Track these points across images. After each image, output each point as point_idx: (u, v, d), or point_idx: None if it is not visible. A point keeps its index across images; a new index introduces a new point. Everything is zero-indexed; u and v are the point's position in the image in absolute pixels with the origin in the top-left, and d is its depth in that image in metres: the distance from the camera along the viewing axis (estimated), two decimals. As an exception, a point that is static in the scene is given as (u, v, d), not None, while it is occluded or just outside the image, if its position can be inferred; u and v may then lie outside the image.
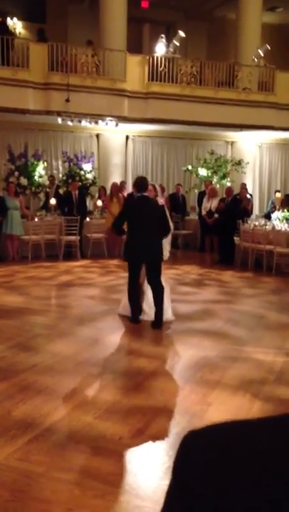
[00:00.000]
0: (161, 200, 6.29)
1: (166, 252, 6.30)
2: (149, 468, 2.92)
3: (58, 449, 3.09)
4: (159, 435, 3.31)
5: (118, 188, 12.50)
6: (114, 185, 12.57)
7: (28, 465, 2.91)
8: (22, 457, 2.99)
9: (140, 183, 6.00)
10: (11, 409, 3.63)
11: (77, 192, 11.75)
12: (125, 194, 12.80)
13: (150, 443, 3.21)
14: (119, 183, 13.00)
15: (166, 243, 6.30)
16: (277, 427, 0.62)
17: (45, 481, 2.76)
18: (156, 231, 5.88)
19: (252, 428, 0.63)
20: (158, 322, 5.91)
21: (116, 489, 2.69)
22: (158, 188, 6.57)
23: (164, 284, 6.09)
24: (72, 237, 11.22)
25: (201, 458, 0.61)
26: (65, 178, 13.14)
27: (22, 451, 3.06)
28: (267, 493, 0.55)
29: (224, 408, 3.76)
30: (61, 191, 12.64)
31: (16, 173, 12.13)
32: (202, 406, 3.76)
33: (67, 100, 12.31)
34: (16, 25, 14.08)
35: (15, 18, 12.92)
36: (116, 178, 14.09)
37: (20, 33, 13.25)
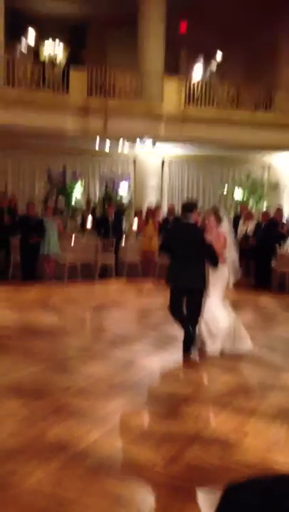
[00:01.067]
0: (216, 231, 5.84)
1: (229, 280, 5.98)
2: (182, 500, 2.84)
3: (90, 475, 3.04)
4: (193, 464, 3.22)
5: (153, 211, 12.55)
6: (149, 209, 12.63)
7: (60, 490, 2.87)
8: (54, 482, 2.96)
9: (185, 205, 5.96)
10: (45, 431, 3.62)
11: (113, 215, 11.86)
12: (160, 218, 12.87)
13: (184, 472, 3.13)
14: (154, 206, 13.06)
15: (227, 269, 5.91)
16: None
17: (77, 508, 2.71)
18: (196, 257, 5.58)
19: None
20: (185, 346, 5.66)
21: (149, 519, 2.63)
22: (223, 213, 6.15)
23: (230, 313, 5.89)
24: (108, 259, 11.28)
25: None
26: (101, 200, 13.30)
27: (55, 475, 3.03)
28: None
29: (261, 438, 3.64)
30: (98, 213, 12.81)
31: (55, 195, 12.36)
32: (238, 435, 3.65)
33: (105, 124, 12.51)
34: (57, 49, 14.53)
35: (57, 40, 13.30)
36: (152, 200, 14.17)
37: (60, 59, 13.64)
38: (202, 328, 5.73)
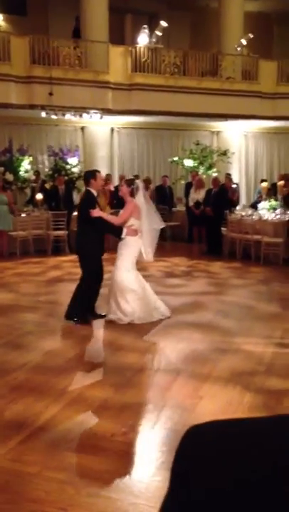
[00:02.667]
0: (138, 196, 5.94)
1: (146, 251, 5.98)
2: (141, 465, 2.94)
3: (50, 449, 3.09)
4: (151, 431, 3.32)
5: (104, 181, 12.44)
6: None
7: (20, 465, 2.91)
8: (15, 458, 2.99)
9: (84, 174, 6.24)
10: (3, 409, 3.63)
11: (63, 186, 11.69)
12: (111, 187, 12.78)
13: (142, 439, 3.23)
14: (104, 176, 12.93)
15: (147, 241, 5.96)
16: (276, 426, 0.63)
17: (38, 481, 2.76)
18: (80, 224, 5.98)
19: (251, 426, 0.65)
20: (66, 313, 5.86)
21: (110, 487, 2.71)
22: (139, 184, 6.16)
23: (137, 284, 5.93)
24: (61, 232, 11.17)
25: (200, 453, 0.62)
26: (51, 172, 13.05)
27: (15, 451, 3.06)
28: (255, 490, 0.57)
29: (215, 401, 3.79)
30: (47, 186, 12.56)
31: (2, 169, 12.02)
32: (193, 400, 3.78)
33: (51, 94, 12.21)
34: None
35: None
36: (102, 170, 13.99)
37: (1, 26, 13.06)
38: (111, 298, 5.89)
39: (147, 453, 3.06)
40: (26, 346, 5.08)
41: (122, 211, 6.01)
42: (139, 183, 6.19)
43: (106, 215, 6.25)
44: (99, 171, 6.29)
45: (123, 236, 5.81)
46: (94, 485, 2.72)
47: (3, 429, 3.33)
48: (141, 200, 5.94)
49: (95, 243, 5.85)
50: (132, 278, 5.86)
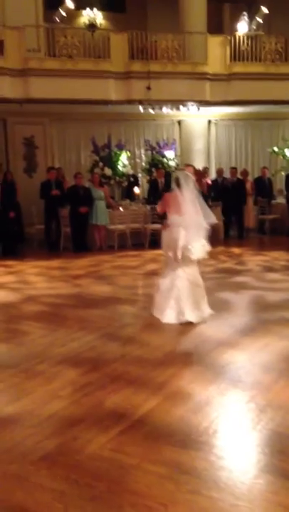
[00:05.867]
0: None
1: (196, 249, 5.62)
2: (243, 465, 2.83)
3: (150, 441, 3.08)
4: (252, 431, 3.20)
5: (201, 174, 12.31)
6: (197, 171, 12.40)
7: (121, 456, 2.93)
8: (115, 448, 3.02)
9: None
10: (103, 400, 3.69)
11: (163, 179, 11.74)
12: (208, 181, 12.63)
13: (243, 439, 3.12)
14: (201, 169, 12.81)
15: (191, 237, 5.60)
16: None
17: (138, 473, 2.76)
18: None
19: None
20: None
21: (210, 485, 2.63)
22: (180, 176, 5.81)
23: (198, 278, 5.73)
24: (158, 226, 11.22)
25: None
26: (148, 166, 13.17)
27: (115, 441, 3.09)
28: None
29: None
30: (145, 180, 12.70)
31: (101, 164, 12.33)
32: (297, 400, 3.59)
33: (148, 88, 12.28)
34: (96, 16, 14.21)
35: (95, 9, 13.08)
36: (199, 164, 13.91)
37: (100, 24, 13.35)
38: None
39: (249, 454, 2.95)
40: (125, 338, 5.14)
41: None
42: (181, 174, 5.86)
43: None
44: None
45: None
46: (194, 482, 2.66)
47: (104, 419, 3.37)
48: (186, 195, 5.60)
49: None
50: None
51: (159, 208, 5.99)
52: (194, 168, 6.17)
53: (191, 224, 5.62)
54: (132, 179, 12.88)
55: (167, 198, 5.81)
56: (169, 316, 5.57)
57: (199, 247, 5.65)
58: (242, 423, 3.31)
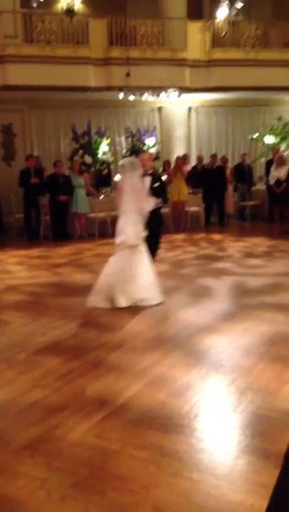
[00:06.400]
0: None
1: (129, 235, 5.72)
2: (224, 447, 2.87)
3: (132, 427, 3.10)
4: (233, 414, 3.24)
5: (181, 161, 12.31)
6: (178, 158, 12.39)
7: (103, 442, 2.94)
8: (98, 434, 3.03)
9: None
10: (85, 387, 3.69)
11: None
12: (189, 167, 12.63)
13: (224, 421, 3.16)
14: (182, 156, 12.80)
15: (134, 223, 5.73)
16: None
17: (121, 458, 2.78)
18: None
19: None
20: None
21: (192, 468, 2.67)
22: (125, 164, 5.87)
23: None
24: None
25: None
26: (128, 154, 13.10)
27: (97, 428, 3.10)
28: None
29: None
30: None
31: (80, 152, 12.23)
32: (278, 383, 3.64)
33: (128, 74, 12.18)
34: (74, 1, 14.00)
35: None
36: (180, 151, 13.90)
37: (79, 10, 13.17)
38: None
39: (230, 436, 2.99)
40: (106, 326, 5.14)
41: None
42: (126, 161, 5.91)
43: None
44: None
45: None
46: (175, 465, 2.69)
47: (86, 406, 3.38)
48: (125, 181, 5.73)
49: None
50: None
51: (116, 196, 5.99)
52: (149, 154, 6.22)
53: (129, 210, 5.69)
54: (112, 166, 12.81)
55: (118, 185, 5.82)
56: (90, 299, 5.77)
57: (133, 233, 5.69)
58: (223, 406, 3.35)
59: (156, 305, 5.73)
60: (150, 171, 6.19)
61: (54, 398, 3.54)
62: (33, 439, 3.00)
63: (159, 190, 6.09)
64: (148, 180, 6.10)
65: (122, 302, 5.66)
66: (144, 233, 5.79)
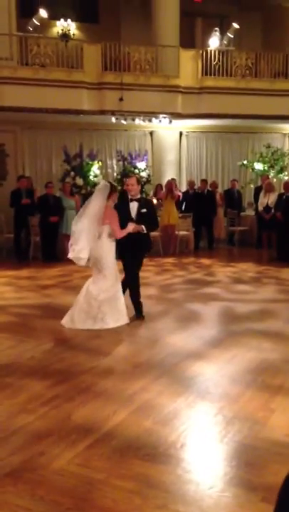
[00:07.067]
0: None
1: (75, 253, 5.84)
2: (210, 478, 2.84)
3: (118, 456, 3.06)
4: (220, 444, 3.22)
5: (172, 185, 12.42)
6: (169, 182, 12.50)
7: (88, 471, 2.90)
8: (83, 463, 2.99)
9: None
10: (71, 413, 3.65)
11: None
12: (179, 192, 12.75)
13: (211, 452, 3.13)
14: (172, 180, 12.93)
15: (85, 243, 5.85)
16: None
17: (106, 488, 2.74)
18: None
19: None
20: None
21: (177, 500, 2.63)
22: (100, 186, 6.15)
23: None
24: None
25: None
26: (119, 177, 13.20)
27: (82, 456, 3.06)
28: None
29: (288, 414, 3.62)
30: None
31: (72, 174, 12.30)
32: (265, 412, 3.63)
33: (121, 99, 12.36)
34: (69, 26, 14.24)
35: (68, 20, 13.10)
36: (170, 175, 14.03)
37: (74, 35, 13.38)
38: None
39: (216, 467, 2.96)
40: (94, 350, 5.11)
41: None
42: (100, 185, 6.18)
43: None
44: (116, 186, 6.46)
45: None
46: (161, 496, 2.66)
47: (71, 433, 3.34)
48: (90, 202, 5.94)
49: None
50: None
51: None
52: (134, 179, 6.28)
53: (83, 231, 5.82)
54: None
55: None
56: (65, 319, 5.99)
57: (76, 251, 5.81)
58: (209, 436, 3.33)
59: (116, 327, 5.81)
60: (138, 196, 6.18)
61: (39, 424, 3.49)
62: (17, 467, 2.95)
63: (145, 216, 6.07)
64: (135, 205, 6.10)
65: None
66: (83, 254, 5.83)
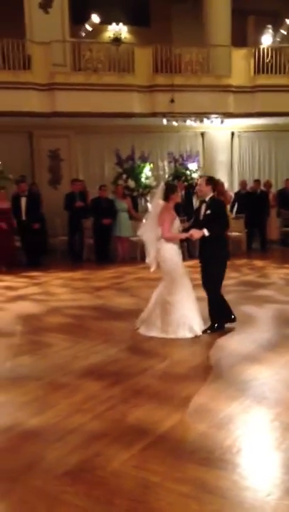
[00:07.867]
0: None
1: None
2: (268, 485, 2.79)
3: (172, 459, 3.06)
4: (278, 450, 3.15)
5: (223, 186, 12.28)
6: (220, 184, 12.38)
7: (144, 473, 2.92)
8: (138, 465, 3.01)
9: None
10: (126, 414, 3.69)
11: (183, 192, 11.75)
12: (231, 193, 12.60)
13: (268, 458, 3.07)
14: (224, 181, 12.80)
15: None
16: None
17: (161, 491, 2.74)
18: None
19: None
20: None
21: (235, 506, 2.60)
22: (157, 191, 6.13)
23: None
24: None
25: None
26: (171, 178, 13.20)
27: (138, 458, 3.08)
28: None
29: None
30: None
31: (124, 176, 12.42)
32: None
33: (172, 101, 12.35)
34: (121, 30, 14.41)
35: (120, 24, 13.25)
36: (222, 175, 13.89)
37: (125, 38, 13.52)
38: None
39: (273, 474, 2.90)
40: (148, 352, 5.13)
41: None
42: (159, 187, 6.04)
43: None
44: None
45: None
46: (218, 502, 2.64)
47: (126, 434, 3.37)
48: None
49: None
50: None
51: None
52: (202, 178, 6.13)
53: (146, 234, 5.87)
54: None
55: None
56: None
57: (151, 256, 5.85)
58: (266, 442, 3.27)
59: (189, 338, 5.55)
60: (208, 197, 5.78)
61: (95, 424, 3.54)
62: (74, 467, 3.00)
63: (210, 218, 5.70)
64: (203, 207, 5.83)
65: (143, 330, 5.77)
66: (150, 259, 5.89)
